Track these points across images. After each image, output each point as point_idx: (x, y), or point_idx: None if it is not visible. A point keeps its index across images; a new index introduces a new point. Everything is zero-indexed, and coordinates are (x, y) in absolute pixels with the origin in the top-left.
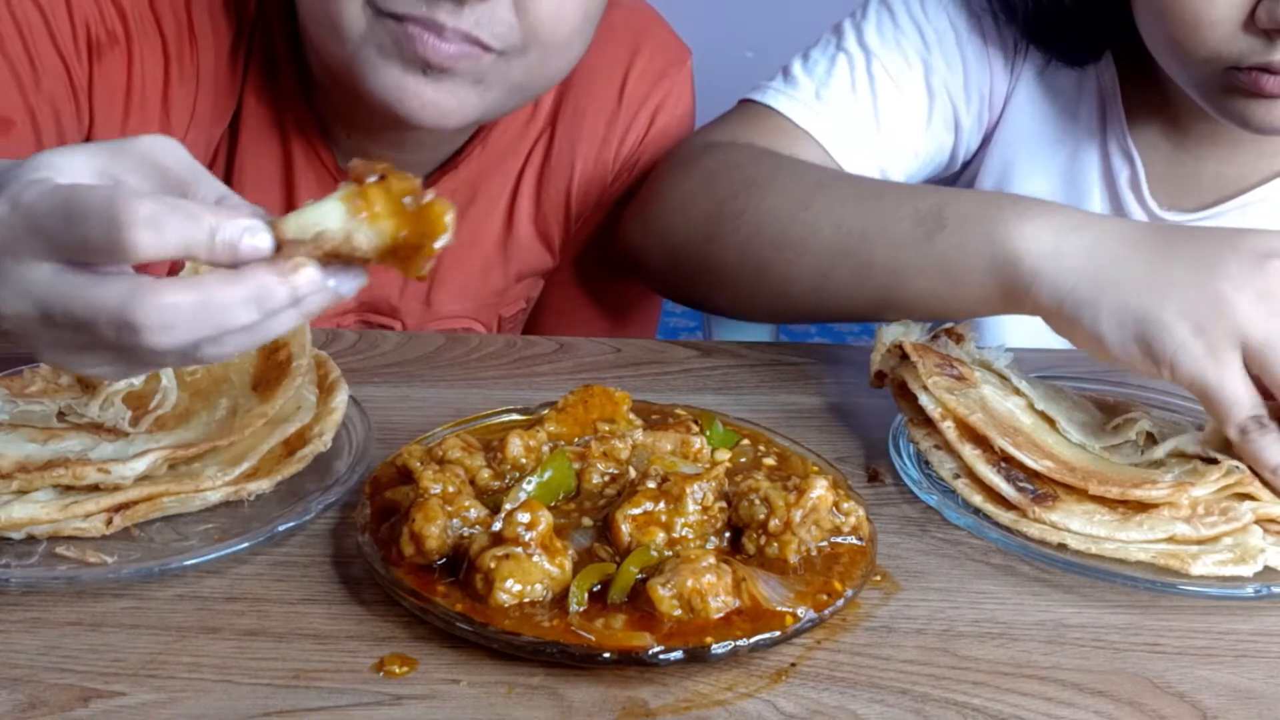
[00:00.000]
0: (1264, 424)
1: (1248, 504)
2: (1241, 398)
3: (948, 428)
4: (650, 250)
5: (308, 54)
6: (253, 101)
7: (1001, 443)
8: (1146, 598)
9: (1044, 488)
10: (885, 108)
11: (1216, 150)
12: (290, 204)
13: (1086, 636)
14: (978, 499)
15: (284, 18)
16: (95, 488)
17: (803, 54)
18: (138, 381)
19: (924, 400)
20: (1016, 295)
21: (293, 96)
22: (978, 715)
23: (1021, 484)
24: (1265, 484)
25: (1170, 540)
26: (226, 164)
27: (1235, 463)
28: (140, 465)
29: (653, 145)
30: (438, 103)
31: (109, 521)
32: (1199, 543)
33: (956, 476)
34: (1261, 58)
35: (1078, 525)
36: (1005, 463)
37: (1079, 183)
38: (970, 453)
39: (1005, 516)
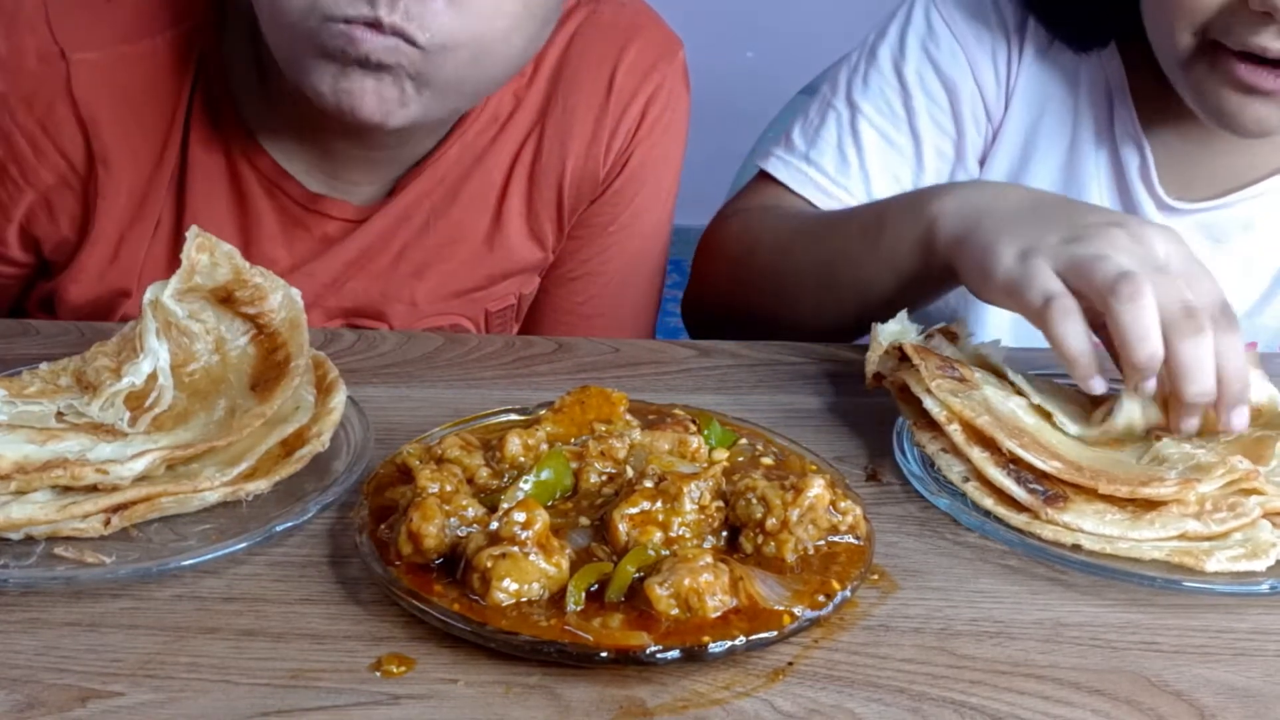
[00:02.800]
0: (1068, 309)
1: (1255, 499)
2: (1046, 278)
3: (954, 431)
4: (705, 321)
5: (270, 76)
6: (198, 149)
7: (1009, 444)
8: (1144, 596)
9: (1053, 488)
10: (872, 161)
11: (1225, 142)
12: (248, 239)
13: (1084, 635)
14: (988, 502)
15: (224, 69)
16: (93, 488)
17: (804, 113)
18: (139, 381)
19: (929, 403)
20: (933, 249)
21: (241, 138)
22: (975, 714)
23: (1031, 485)
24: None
25: (1182, 537)
26: (175, 212)
27: (1238, 457)
28: (138, 466)
29: (646, 138)
30: (380, 94)
31: (107, 522)
32: (1209, 539)
33: (966, 480)
34: (1245, 40)
35: (1090, 526)
36: (1013, 464)
37: (1079, 172)
38: (979, 455)
39: (1017, 519)
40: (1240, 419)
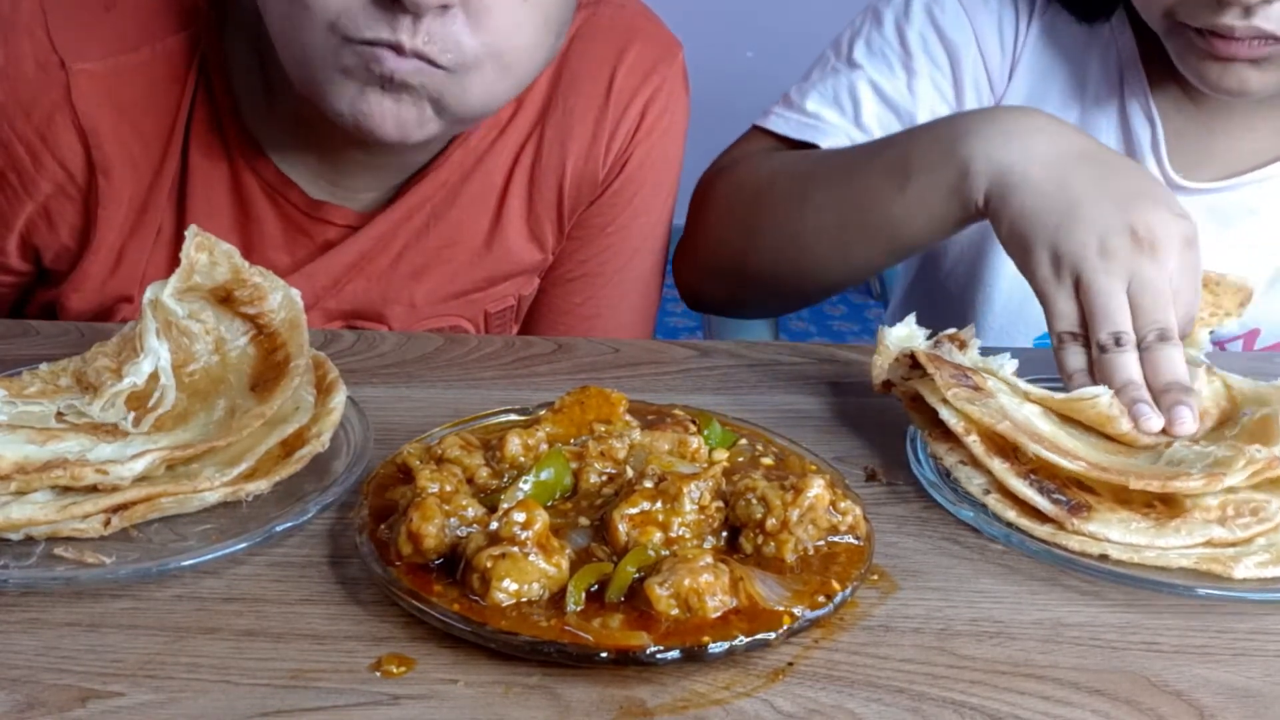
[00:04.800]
0: (1075, 337)
1: (1277, 502)
2: (1065, 313)
3: (973, 442)
4: (702, 281)
5: (274, 82)
6: (199, 157)
7: (1034, 448)
8: (1144, 596)
9: (1075, 498)
10: (869, 115)
11: (1230, 124)
12: (249, 245)
13: (1084, 635)
14: (1011, 514)
15: (226, 76)
16: (93, 488)
17: (804, 76)
18: (140, 381)
19: (945, 414)
20: (968, 201)
21: (243, 145)
22: (975, 714)
23: (1055, 496)
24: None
25: (1208, 544)
26: (176, 220)
27: (1255, 446)
28: (138, 466)
29: (645, 139)
30: (399, 116)
31: (107, 522)
32: (1234, 544)
33: (987, 492)
34: (1207, 20)
35: (1116, 535)
36: (1033, 475)
37: None
38: (1000, 467)
39: (1042, 530)
40: (1184, 421)
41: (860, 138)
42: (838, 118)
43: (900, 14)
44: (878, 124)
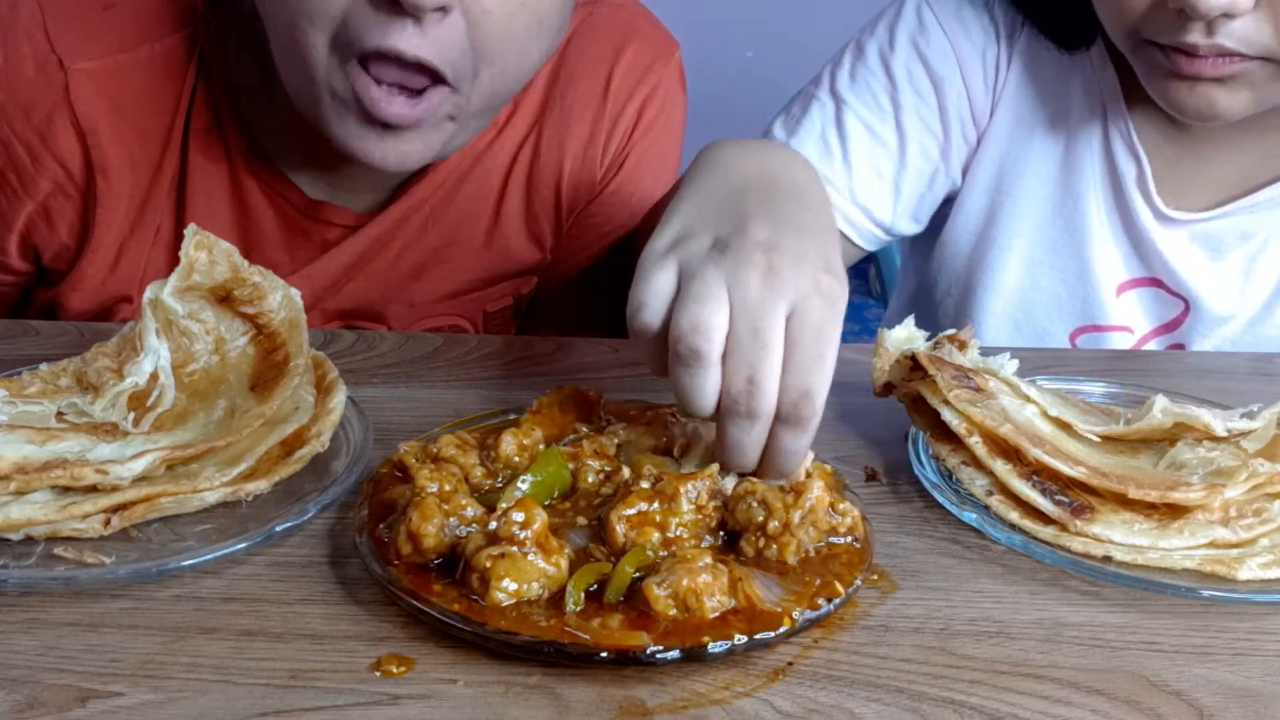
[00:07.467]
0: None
1: (1279, 504)
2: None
3: (975, 443)
4: None
5: (274, 84)
6: (199, 156)
7: (1035, 452)
8: (1143, 596)
9: (1078, 499)
10: (856, 153)
11: (1219, 151)
12: (248, 245)
13: (1084, 635)
14: (1014, 516)
15: (225, 76)
16: (93, 488)
17: (786, 109)
18: (141, 381)
19: (947, 415)
20: None
21: (243, 145)
22: (975, 714)
23: (1058, 497)
24: None
25: (1211, 545)
26: (175, 219)
27: (1260, 460)
28: (138, 466)
29: (643, 139)
30: (399, 150)
31: (107, 522)
32: (1238, 546)
33: (990, 494)
34: (1171, 36)
35: (1120, 536)
36: (1036, 476)
37: (1074, 181)
38: (1003, 468)
39: (1045, 532)
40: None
41: (844, 179)
42: (822, 156)
43: (885, 46)
44: (866, 160)
